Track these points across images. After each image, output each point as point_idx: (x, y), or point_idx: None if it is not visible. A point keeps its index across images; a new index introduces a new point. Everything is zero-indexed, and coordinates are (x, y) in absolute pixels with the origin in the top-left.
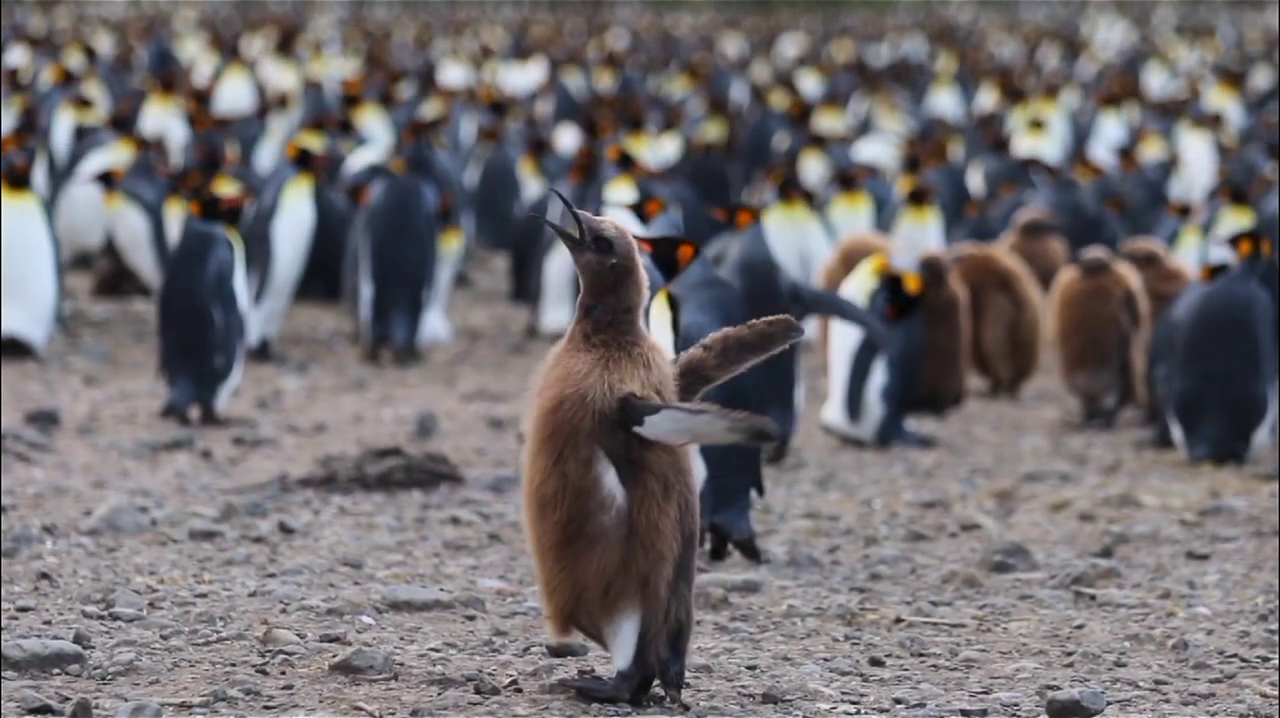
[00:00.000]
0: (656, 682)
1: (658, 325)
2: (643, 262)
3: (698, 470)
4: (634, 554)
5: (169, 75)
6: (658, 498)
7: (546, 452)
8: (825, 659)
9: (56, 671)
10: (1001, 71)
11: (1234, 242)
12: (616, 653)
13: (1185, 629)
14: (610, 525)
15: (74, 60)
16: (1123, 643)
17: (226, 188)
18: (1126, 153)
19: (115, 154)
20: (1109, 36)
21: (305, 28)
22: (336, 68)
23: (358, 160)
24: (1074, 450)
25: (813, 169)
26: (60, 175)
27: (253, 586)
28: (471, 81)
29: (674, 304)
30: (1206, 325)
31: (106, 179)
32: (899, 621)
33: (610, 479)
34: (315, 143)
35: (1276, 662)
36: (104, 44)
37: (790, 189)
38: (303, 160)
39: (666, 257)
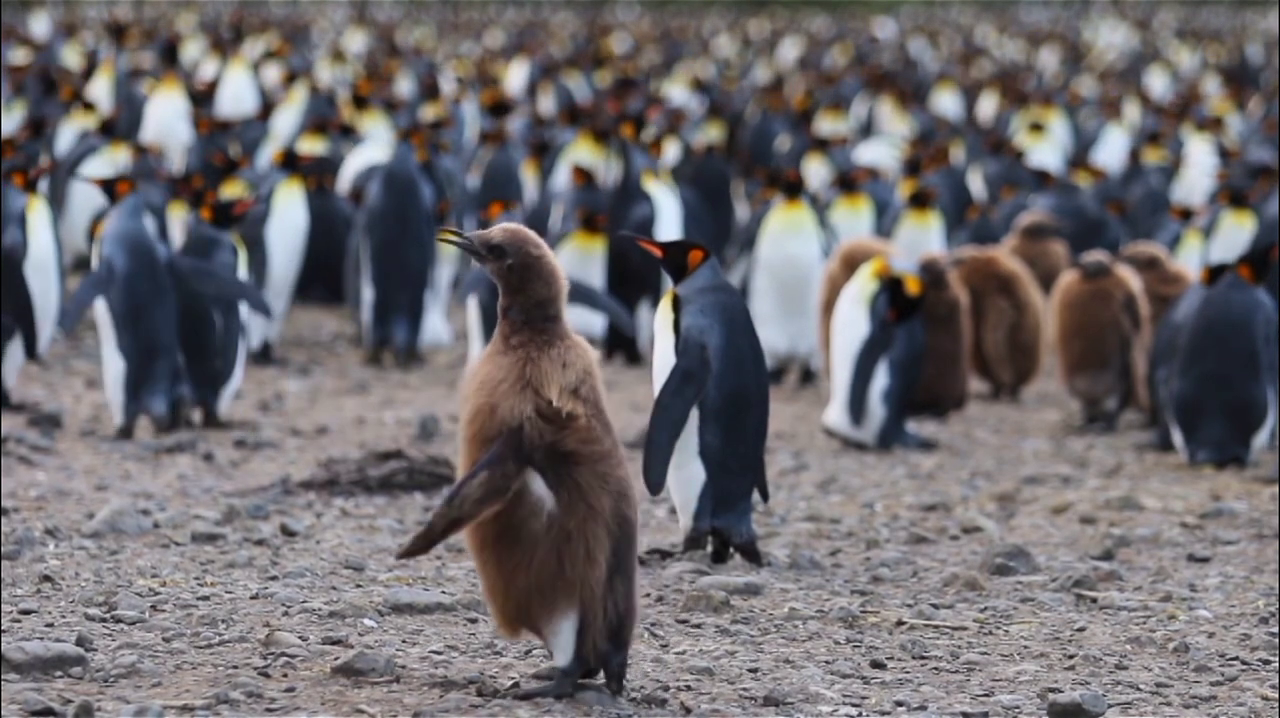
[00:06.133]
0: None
1: (661, 325)
2: (551, 256)
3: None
4: (567, 557)
5: (171, 47)
6: (588, 498)
7: (470, 462)
8: (827, 662)
9: (59, 673)
10: (1003, 75)
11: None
12: (557, 651)
13: (1186, 632)
14: (542, 530)
15: (72, 60)
16: (1124, 646)
17: (232, 190)
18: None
19: (112, 159)
20: (1111, 40)
21: (309, 29)
22: (339, 71)
23: (356, 161)
24: (1075, 453)
25: (814, 172)
26: (63, 178)
27: (255, 588)
28: (472, 84)
29: (677, 306)
30: (1206, 329)
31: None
32: (900, 623)
33: (538, 485)
34: (316, 145)
35: (1277, 665)
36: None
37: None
38: (289, 164)
39: (677, 261)
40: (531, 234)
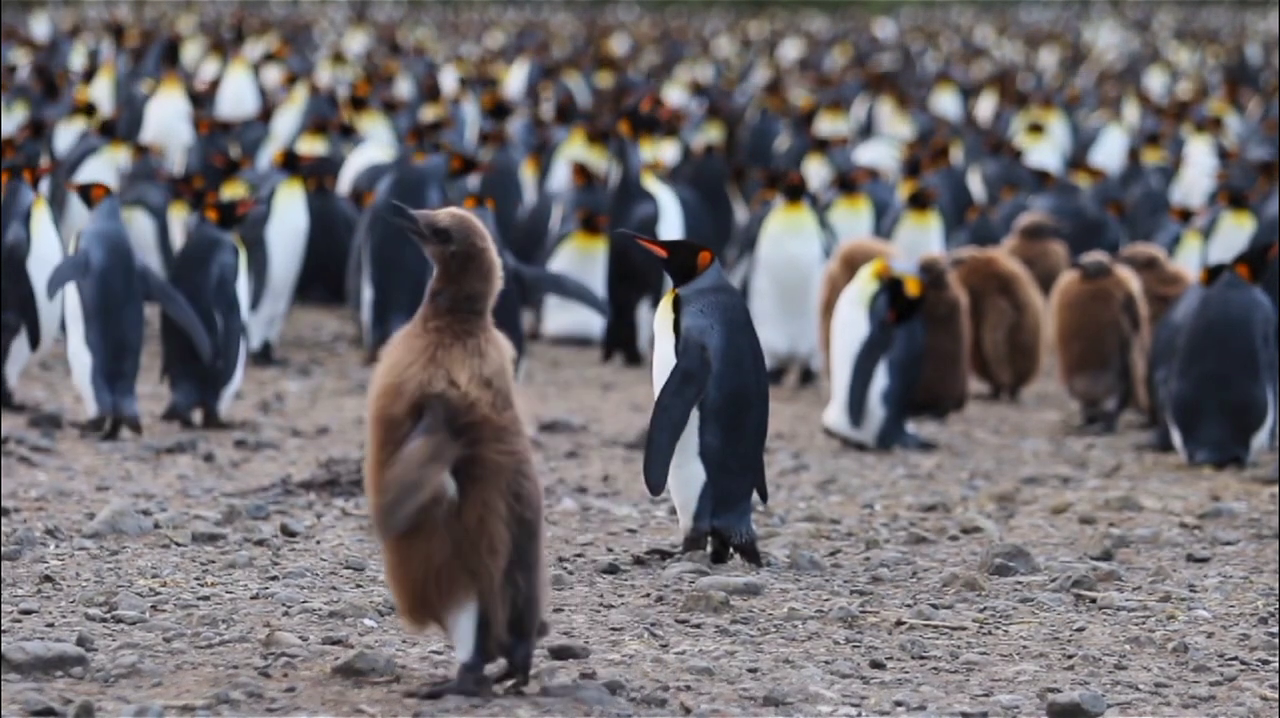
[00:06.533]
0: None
1: (661, 326)
2: (496, 251)
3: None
4: (465, 546)
5: (172, 45)
6: (489, 489)
7: (377, 442)
8: (826, 662)
9: (59, 673)
10: (1002, 75)
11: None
12: (458, 645)
13: (1185, 632)
14: (441, 516)
15: (77, 62)
16: (1123, 646)
17: (232, 191)
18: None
19: (112, 159)
20: (1110, 40)
21: (310, 30)
22: (339, 72)
23: (358, 161)
24: (1074, 454)
25: (814, 172)
26: (63, 178)
27: (255, 588)
28: (472, 85)
29: (678, 306)
30: (1205, 329)
31: (85, 194)
32: (900, 623)
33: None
34: (315, 145)
35: (1276, 665)
36: (106, 47)
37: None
38: (290, 164)
39: (685, 262)
40: (479, 225)
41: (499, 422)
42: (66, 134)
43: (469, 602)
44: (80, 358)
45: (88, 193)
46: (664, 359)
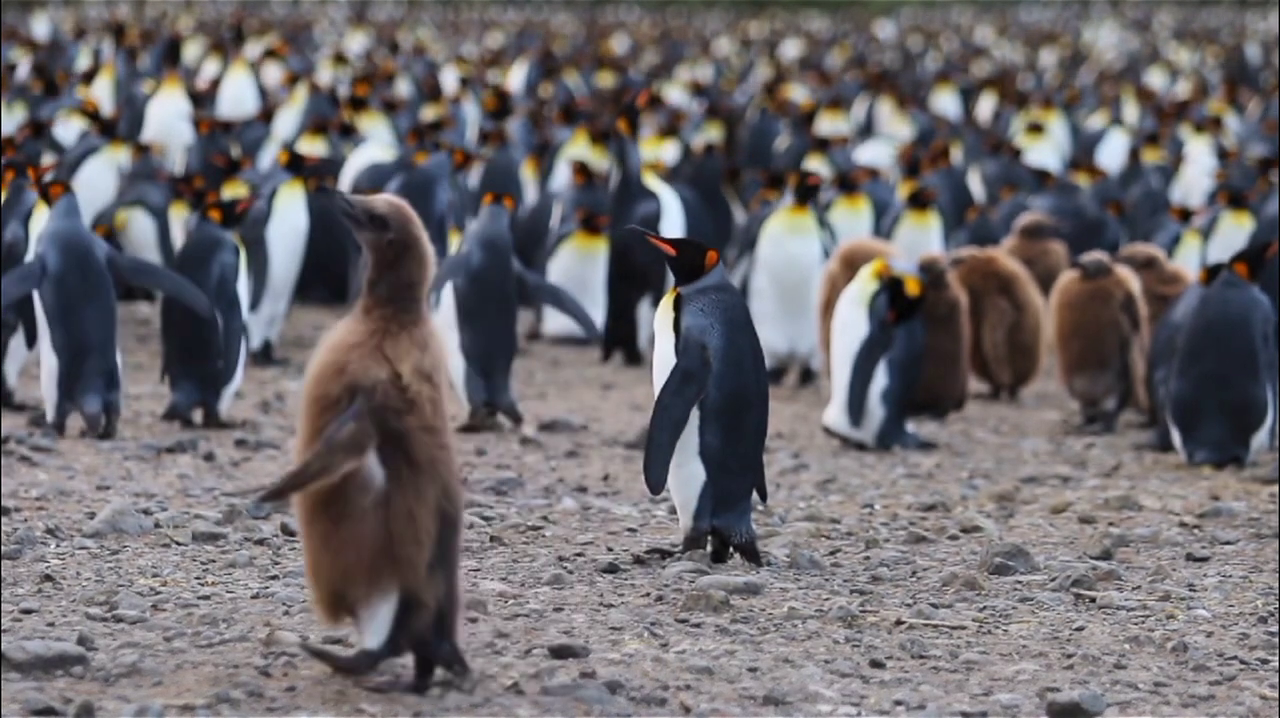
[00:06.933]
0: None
1: (661, 325)
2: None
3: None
4: (393, 536)
5: (173, 45)
6: (417, 481)
7: (311, 425)
8: (826, 661)
9: (60, 672)
10: (1002, 75)
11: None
12: (368, 633)
13: (1185, 632)
14: (369, 506)
15: (82, 64)
16: (1122, 645)
17: (234, 190)
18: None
19: (112, 159)
20: (1110, 41)
21: (310, 30)
22: (340, 72)
23: (358, 161)
24: (1074, 453)
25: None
26: (64, 178)
27: (255, 588)
28: (473, 84)
29: (678, 305)
30: (1204, 329)
31: (44, 193)
32: (899, 623)
33: (370, 460)
34: (315, 145)
35: (1276, 664)
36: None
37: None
38: (294, 165)
39: (692, 260)
40: (414, 214)
41: (433, 414)
42: (66, 133)
43: (391, 593)
44: (47, 362)
45: (47, 192)
46: (664, 358)
